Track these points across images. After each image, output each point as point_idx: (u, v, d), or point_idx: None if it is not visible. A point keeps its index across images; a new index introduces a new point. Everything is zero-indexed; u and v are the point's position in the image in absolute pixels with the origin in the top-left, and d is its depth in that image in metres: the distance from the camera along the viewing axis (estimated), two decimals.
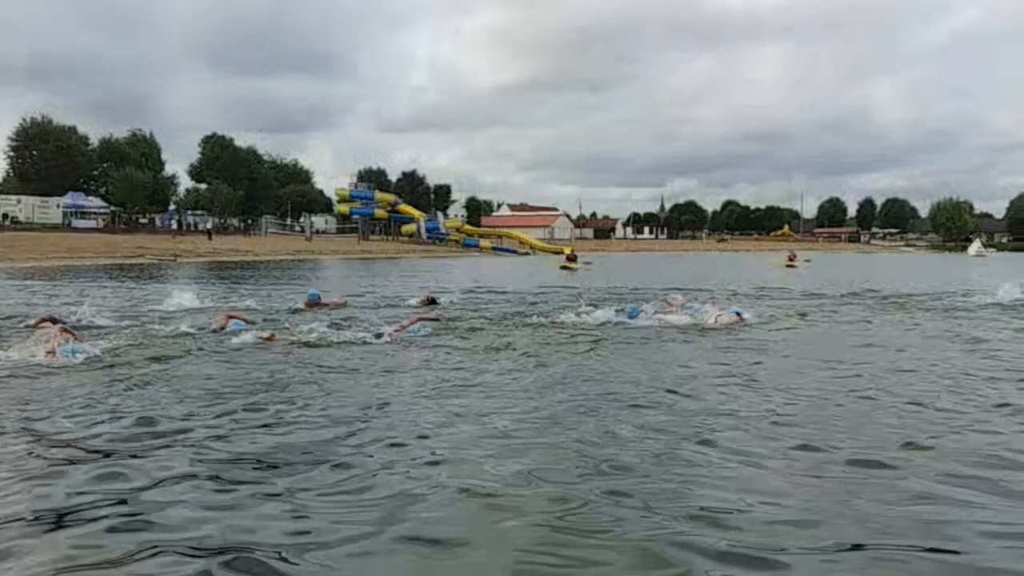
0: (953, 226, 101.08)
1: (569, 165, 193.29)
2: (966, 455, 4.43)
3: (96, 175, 67.78)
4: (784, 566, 2.97)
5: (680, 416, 5.37)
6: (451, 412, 5.42)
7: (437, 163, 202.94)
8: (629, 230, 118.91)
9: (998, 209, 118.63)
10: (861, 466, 4.22)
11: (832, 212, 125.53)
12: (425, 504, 3.58)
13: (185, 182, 75.01)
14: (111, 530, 3.26)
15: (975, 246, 72.81)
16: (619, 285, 21.07)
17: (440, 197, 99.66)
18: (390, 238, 62.87)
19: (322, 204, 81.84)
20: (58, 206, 58.00)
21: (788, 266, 35.32)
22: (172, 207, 71.09)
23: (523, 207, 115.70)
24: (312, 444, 4.59)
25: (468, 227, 73.06)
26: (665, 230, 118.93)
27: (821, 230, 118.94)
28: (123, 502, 3.57)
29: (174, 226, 61.07)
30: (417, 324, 9.87)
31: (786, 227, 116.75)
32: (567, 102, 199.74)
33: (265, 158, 79.13)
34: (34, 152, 63.23)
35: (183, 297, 13.45)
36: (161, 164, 71.25)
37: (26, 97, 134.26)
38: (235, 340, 8.71)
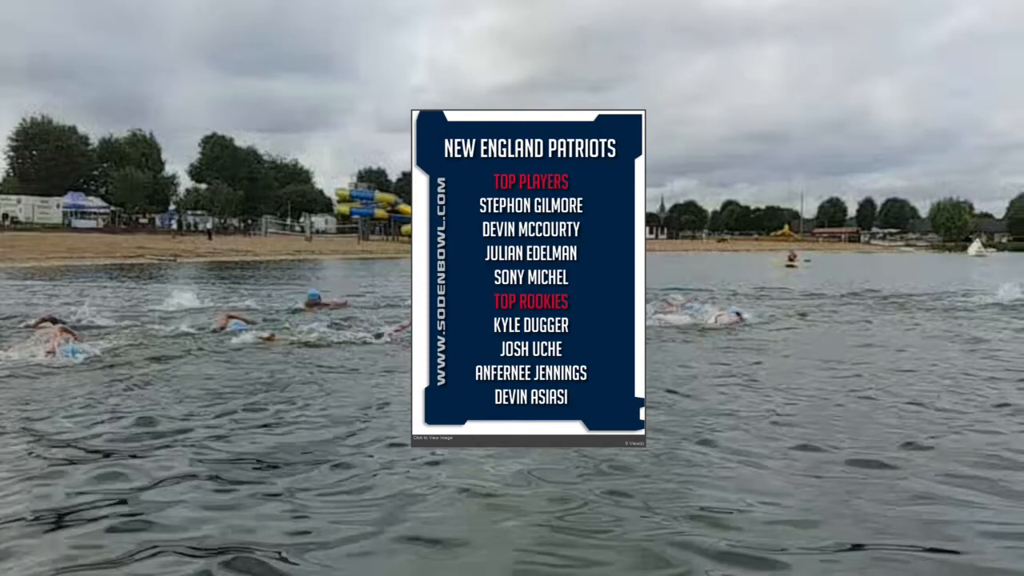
0: (953, 226, 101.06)
1: None
2: (966, 455, 4.43)
3: (96, 175, 67.83)
4: (784, 566, 2.97)
5: (680, 416, 5.37)
6: None
7: None
8: None
9: (998, 209, 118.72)
10: (861, 466, 4.22)
11: (832, 212, 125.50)
12: (425, 504, 3.58)
13: (185, 182, 75.11)
14: (111, 530, 3.26)
15: (975, 246, 72.80)
16: None
17: None
18: (390, 238, 62.90)
19: (322, 204, 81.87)
20: (58, 206, 58.04)
21: (788, 266, 35.30)
22: (172, 207, 71.14)
23: None
24: (312, 444, 4.59)
25: None
26: (665, 230, 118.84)
27: (821, 230, 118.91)
28: (123, 502, 3.58)
29: (174, 226, 61.09)
30: None
31: (786, 227, 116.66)
32: (567, 102, 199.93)
33: (265, 158, 79.18)
34: (34, 152, 63.27)
35: (183, 297, 13.44)
36: (161, 164, 71.29)
37: (26, 97, 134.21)
38: (235, 340, 8.71)
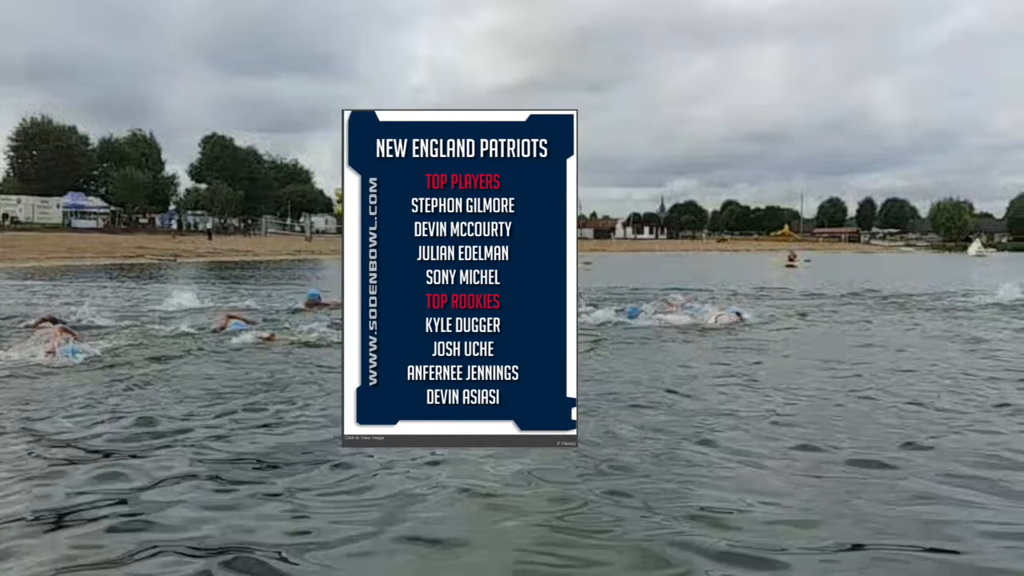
0: (953, 226, 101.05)
1: None
2: (966, 455, 4.43)
3: (96, 175, 67.82)
4: (784, 566, 2.97)
5: (680, 416, 5.37)
6: None
7: None
8: (629, 230, 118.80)
9: (998, 209, 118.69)
10: (861, 466, 4.22)
11: (832, 212, 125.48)
12: (425, 504, 3.58)
13: (185, 182, 75.08)
14: (111, 530, 3.26)
15: (975, 246, 72.78)
16: (619, 285, 21.06)
17: None
18: None
19: (322, 204, 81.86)
20: (58, 206, 58.04)
21: (788, 266, 35.30)
22: (172, 207, 71.12)
23: None
24: (312, 444, 4.59)
25: None
26: (665, 230, 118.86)
27: (821, 230, 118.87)
28: (123, 502, 3.58)
29: (174, 226, 61.08)
30: None
31: (786, 227, 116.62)
32: (567, 102, 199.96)
33: (265, 158, 79.17)
34: (34, 152, 63.26)
35: (183, 297, 13.44)
36: (161, 164, 71.27)
37: (26, 97, 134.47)
38: (235, 340, 8.71)
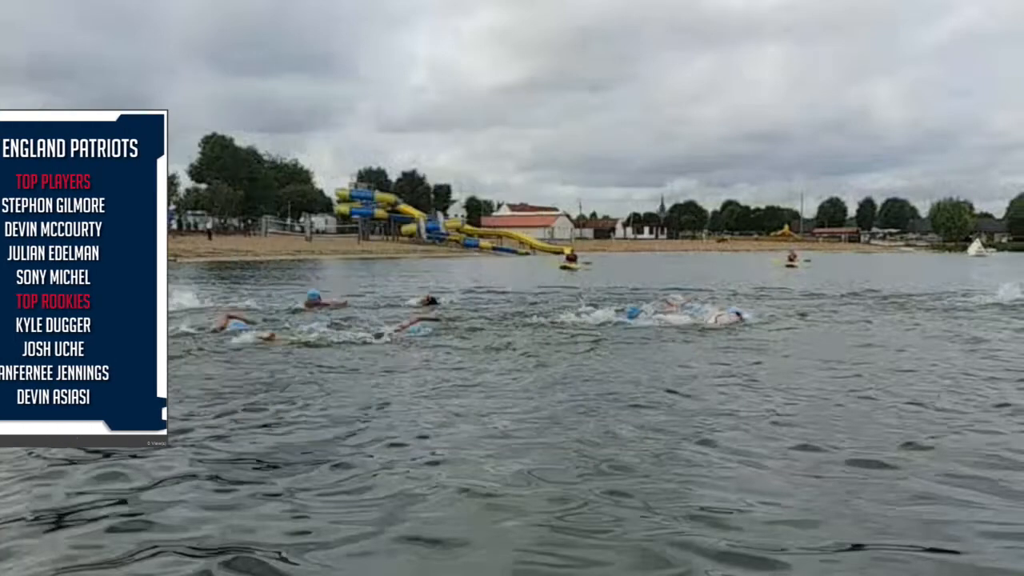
0: (953, 226, 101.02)
1: (569, 165, 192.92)
2: (966, 455, 4.43)
3: None
4: (784, 566, 2.97)
5: (680, 416, 5.37)
6: (451, 412, 5.42)
7: (437, 163, 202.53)
8: (629, 230, 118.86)
9: (998, 209, 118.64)
10: (861, 466, 4.22)
11: (832, 212, 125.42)
12: (425, 504, 3.58)
13: (185, 182, 75.05)
14: (111, 530, 3.26)
15: (975, 246, 72.79)
16: (619, 285, 21.07)
17: (440, 197, 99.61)
18: (390, 238, 62.83)
19: (322, 204, 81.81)
20: None
21: (788, 266, 35.29)
22: (172, 207, 71.04)
23: (523, 207, 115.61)
24: (312, 444, 4.59)
25: (468, 227, 73.00)
26: (665, 230, 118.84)
27: (821, 230, 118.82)
28: (123, 502, 3.58)
29: (174, 226, 61.05)
30: (417, 324, 9.87)
31: (786, 227, 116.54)
32: (567, 102, 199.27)
33: (265, 158, 79.12)
34: None
35: (183, 297, 13.43)
36: None
37: (26, 97, 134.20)
38: (235, 340, 8.71)
